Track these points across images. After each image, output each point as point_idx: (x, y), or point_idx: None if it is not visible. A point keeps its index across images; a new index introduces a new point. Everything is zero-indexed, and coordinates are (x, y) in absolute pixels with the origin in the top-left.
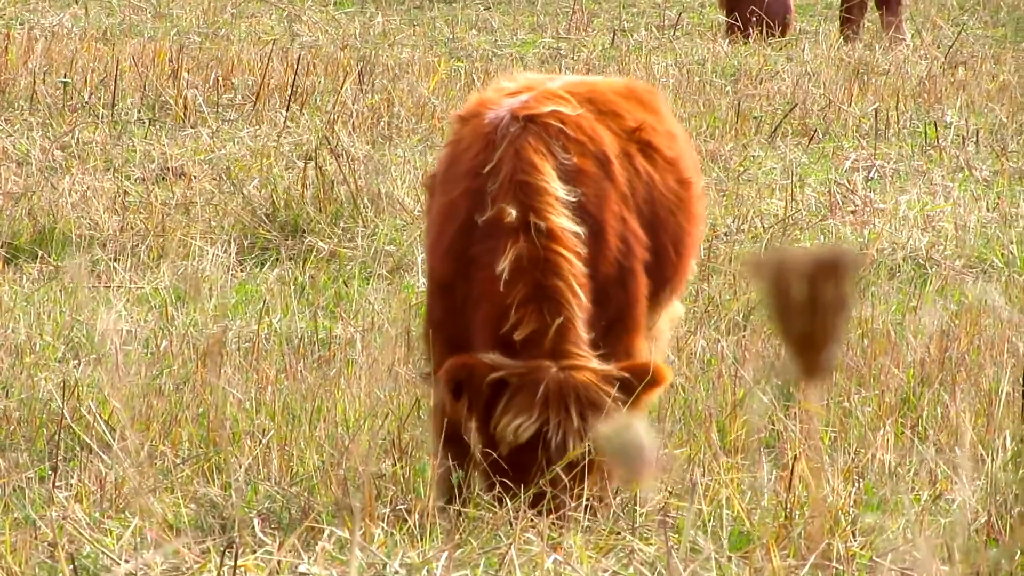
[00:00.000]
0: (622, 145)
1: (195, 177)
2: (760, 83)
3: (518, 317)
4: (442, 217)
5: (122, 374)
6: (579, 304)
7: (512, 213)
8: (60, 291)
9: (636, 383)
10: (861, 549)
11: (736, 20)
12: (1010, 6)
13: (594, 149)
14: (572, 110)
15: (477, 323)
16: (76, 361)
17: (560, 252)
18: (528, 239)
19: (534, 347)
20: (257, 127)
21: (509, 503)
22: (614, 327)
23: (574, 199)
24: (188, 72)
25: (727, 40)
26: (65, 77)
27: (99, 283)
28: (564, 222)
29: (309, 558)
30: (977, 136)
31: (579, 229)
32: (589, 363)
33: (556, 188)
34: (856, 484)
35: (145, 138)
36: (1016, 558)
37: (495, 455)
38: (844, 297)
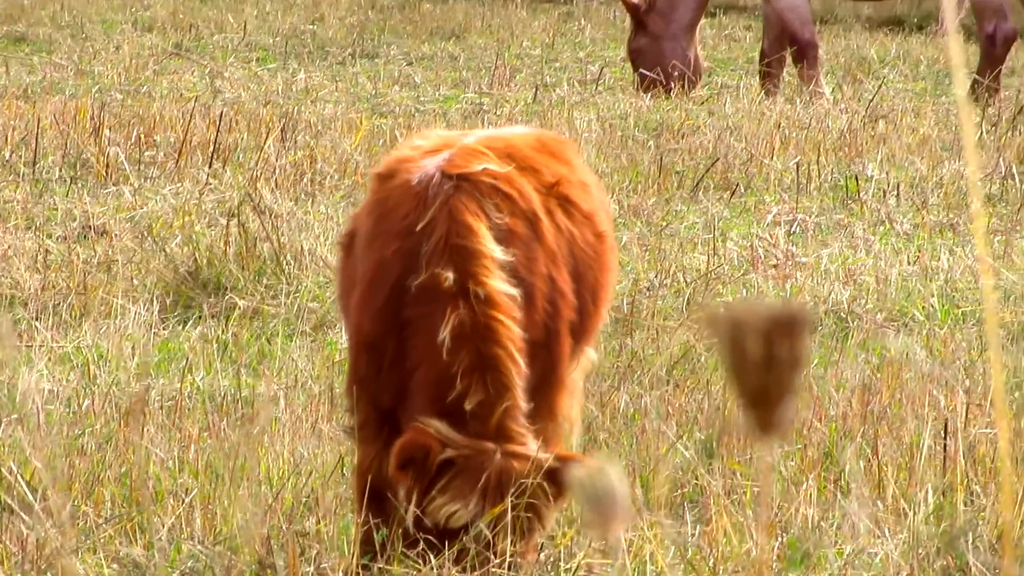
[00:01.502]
0: (544, 201)
1: (117, 235)
2: (682, 138)
3: (463, 387)
4: (371, 276)
5: (43, 434)
6: (519, 372)
7: (450, 278)
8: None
9: (565, 473)
10: None
11: (641, 76)
12: (930, 60)
13: (523, 207)
14: (499, 167)
15: (415, 386)
16: None
17: (499, 319)
18: (467, 305)
19: (479, 422)
20: (179, 184)
21: (433, 560)
22: (540, 387)
23: (508, 261)
24: (110, 129)
25: (649, 95)
26: None
27: (20, 343)
28: (501, 286)
29: None
30: (898, 189)
31: (514, 292)
32: (529, 450)
33: (492, 250)
34: (779, 538)
35: (67, 196)
36: None
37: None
38: (799, 354)
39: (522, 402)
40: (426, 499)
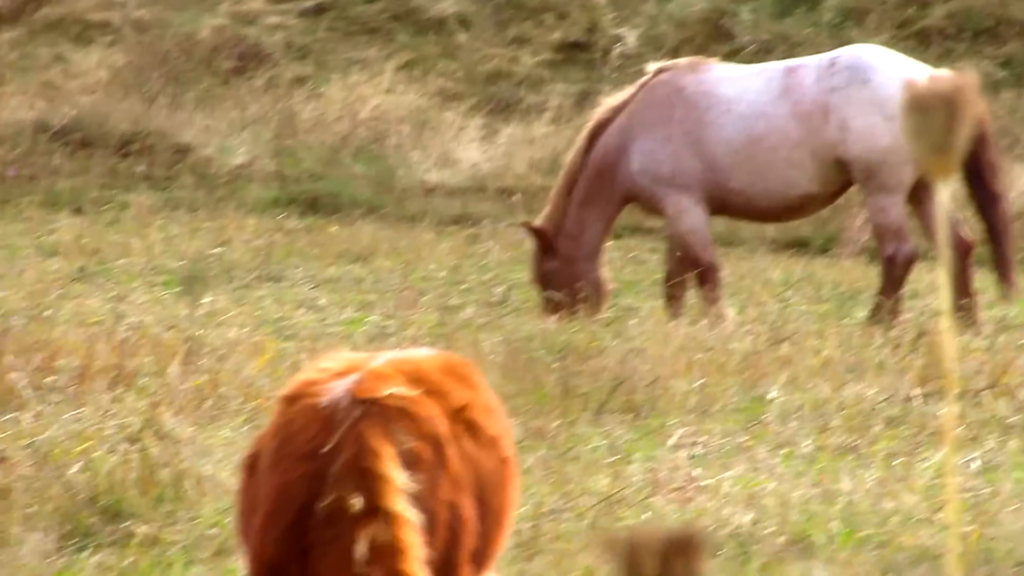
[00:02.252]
0: (450, 426)
1: (15, 462)
2: (587, 360)
3: None
4: (274, 499)
5: None
6: None
7: (358, 500)
8: None
9: None
10: None
11: (548, 297)
12: (833, 282)
13: (430, 432)
14: (407, 391)
15: None
16: None
17: (408, 539)
18: (377, 526)
19: None
20: (81, 409)
21: None
22: None
23: (413, 486)
24: (10, 355)
25: (556, 317)
26: None
27: None
28: (406, 510)
29: None
30: (801, 411)
31: (418, 517)
32: None
33: (397, 476)
34: None
35: None
36: None
37: None
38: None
39: None
40: None
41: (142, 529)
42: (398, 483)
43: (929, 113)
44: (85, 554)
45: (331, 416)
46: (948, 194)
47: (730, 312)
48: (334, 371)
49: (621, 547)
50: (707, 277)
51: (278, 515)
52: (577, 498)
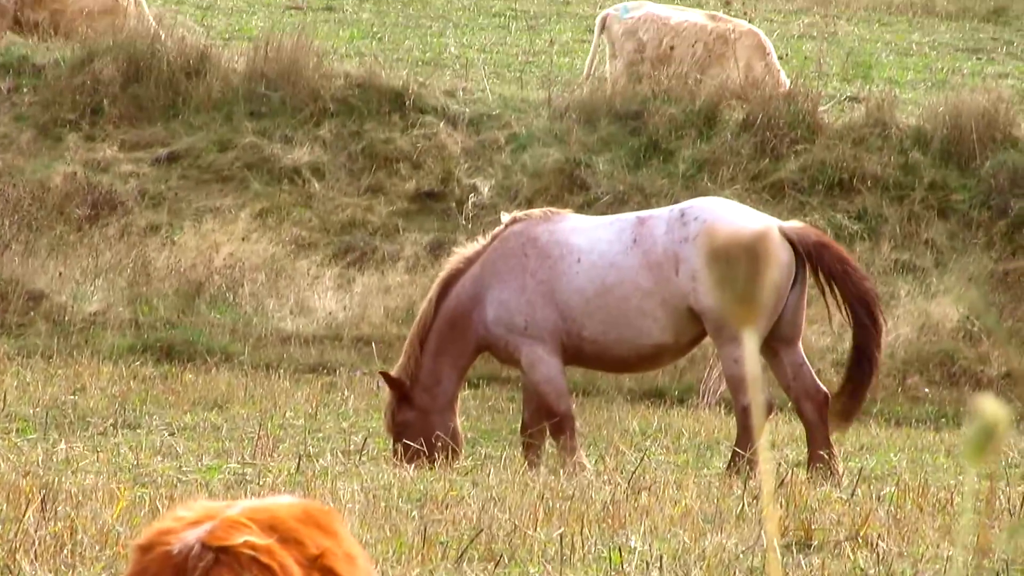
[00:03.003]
0: (307, 574)
1: None
2: (446, 508)
3: None
4: None
5: None
6: None
7: None
8: None
9: None
10: None
11: (404, 447)
12: (691, 432)
13: None
14: (260, 539)
15: None
16: None
17: None
18: None
19: None
20: None
21: None
22: None
23: None
24: None
25: (412, 466)
26: None
27: None
28: None
29: None
30: (661, 561)
31: None
32: None
33: None
34: None
35: None
36: None
37: None
38: None
39: None
40: None
41: None
42: None
43: (731, 263)
44: None
45: (183, 564)
46: (755, 343)
47: (587, 461)
48: (189, 520)
49: None
50: (563, 427)
51: None
52: None
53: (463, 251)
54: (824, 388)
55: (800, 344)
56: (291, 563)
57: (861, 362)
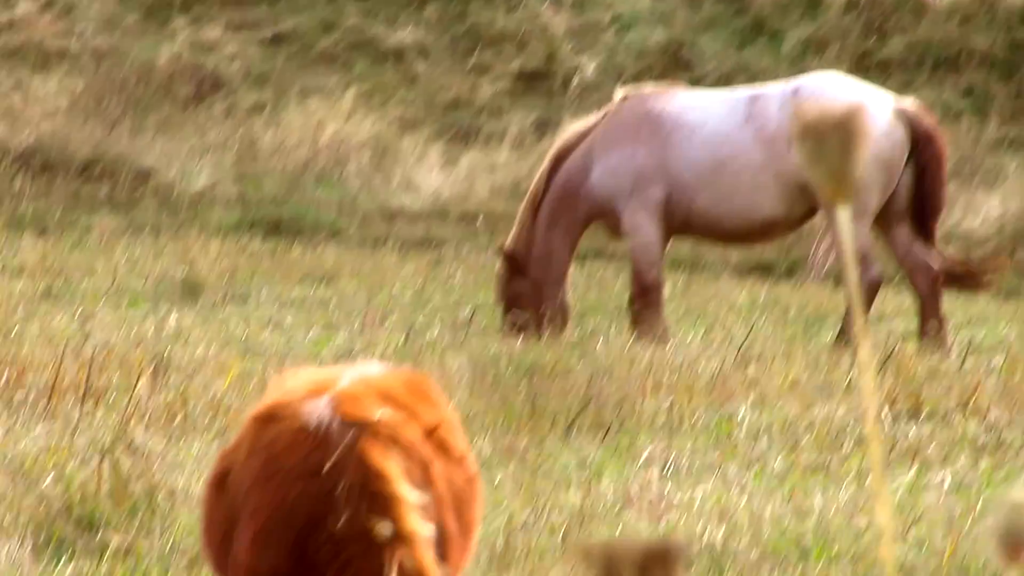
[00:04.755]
0: (428, 446)
1: None
2: (555, 379)
3: None
4: (270, 517)
5: None
6: None
7: (377, 523)
8: None
9: None
10: None
11: (512, 319)
12: (798, 306)
13: (416, 454)
14: (389, 413)
15: None
16: None
17: (428, 562)
18: (404, 549)
19: None
20: (51, 424)
21: None
22: None
23: (424, 506)
24: None
25: (520, 338)
26: None
27: None
28: (421, 529)
29: None
30: (770, 431)
31: (430, 534)
32: None
33: (408, 494)
34: None
35: None
36: None
37: None
38: None
39: None
40: None
41: (117, 539)
42: (413, 504)
43: (823, 139)
44: (60, 564)
45: (323, 437)
46: (847, 217)
47: (667, 332)
48: (305, 392)
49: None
50: (645, 295)
51: (277, 532)
52: (548, 513)
53: (576, 126)
54: (937, 261)
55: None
56: (417, 437)
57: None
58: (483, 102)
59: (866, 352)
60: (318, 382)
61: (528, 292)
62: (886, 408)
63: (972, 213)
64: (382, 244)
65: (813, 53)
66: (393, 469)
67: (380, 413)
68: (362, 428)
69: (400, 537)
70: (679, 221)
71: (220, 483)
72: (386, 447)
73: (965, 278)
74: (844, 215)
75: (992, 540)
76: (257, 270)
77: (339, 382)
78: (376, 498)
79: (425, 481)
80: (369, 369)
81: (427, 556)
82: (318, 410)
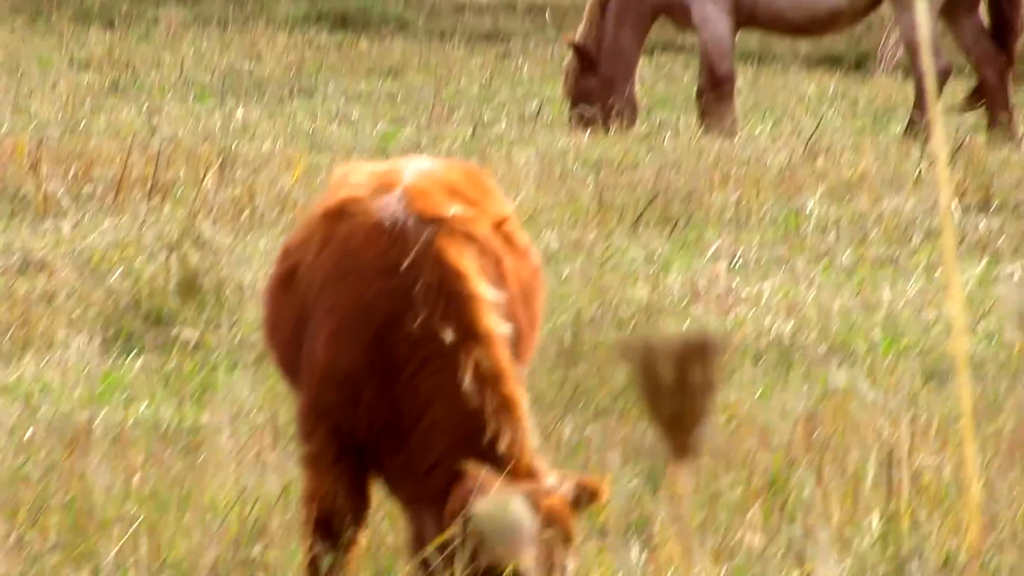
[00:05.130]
0: (496, 240)
1: (57, 269)
2: (622, 173)
3: (495, 430)
4: (347, 313)
5: None
6: (525, 411)
7: (454, 323)
8: None
9: (584, 500)
10: None
11: (580, 113)
12: (867, 98)
13: (489, 249)
14: (463, 209)
15: (429, 426)
16: None
17: (504, 361)
18: (480, 348)
19: (511, 463)
20: (119, 218)
21: None
22: None
23: (500, 304)
24: (48, 165)
25: (587, 133)
26: None
27: None
28: (499, 328)
29: None
30: (838, 224)
31: (506, 332)
32: (553, 486)
33: (485, 293)
34: (725, 565)
35: (5, 231)
36: None
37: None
38: (712, 379)
39: (532, 441)
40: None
41: (185, 334)
42: (489, 302)
43: None
44: (129, 358)
45: (401, 234)
46: (927, 7)
47: (735, 125)
48: (372, 187)
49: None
50: (718, 86)
51: (355, 329)
52: (616, 308)
53: None
54: (1004, 51)
55: (980, 9)
56: (488, 232)
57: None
58: None
59: (940, 137)
60: (382, 177)
61: (597, 86)
62: (956, 201)
63: None
64: (449, 37)
65: None
66: (470, 267)
67: (454, 209)
68: (438, 225)
69: (476, 336)
70: (745, 14)
71: (287, 280)
72: (461, 244)
73: None
74: (923, 4)
75: None
76: (324, 64)
77: (404, 177)
78: (453, 296)
79: (499, 277)
80: (426, 163)
81: (503, 355)
82: (391, 206)
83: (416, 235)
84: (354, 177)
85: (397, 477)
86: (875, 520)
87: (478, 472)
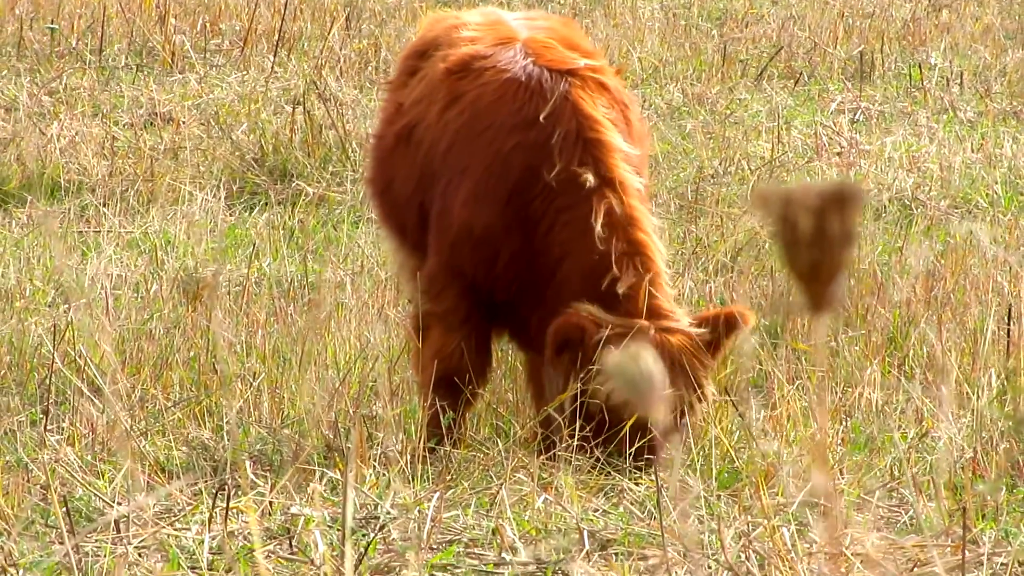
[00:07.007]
0: (622, 89)
1: (183, 122)
2: (746, 27)
3: (618, 272)
4: (485, 170)
5: (112, 318)
6: (661, 256)
7: (590, 171)
8: (49, 236)
9: (724, 334)
10: (849, 487)
11: None
12: None
13: (618, 99)
14: (591, 60)
15: (563, 277)
16: (66, 306)
17: (638, 207)
18: (613, 195)
19: (631, 302)
20: (245, 72)
21: (500, 443)
22: None
23: (634, 153)
24: (175, 18)
25: None
26: (52, 23)
27: (88, 228)
28: (634, 178)
29: (301, 499)
30: (961, 78)
31: (641, 182)
32: (681, 324)
33: (620, 143)
34: (843, 423)
35: (133, 84)
36: (1001, 494)
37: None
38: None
39: (667, 281)
40: (585, 379)
41: (309, 189)
42: (623, 151)
43: None
44: (254, 212)
45: (538, 88)
46: None
47: None
48: (491, 42)
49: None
50: None
51: (492, 186)
52: (738, 162)
53: None
54: None
55: None
56: (614, 82)
57: None
58: None
59: None
60: (494, 31)
61: None
62: None
63: None
64: None
65: None
66: (604, 116)
67: (585, 62)
68: (572, 76)
69: (612, 183)
70: None
71: (404, 137)
72: (594, 94)
73: None
74: None
75: None
76: None
77: (518, 32)
78: (590, 145)
79: (626, 126)
80: (519, 15)
81: (637, 203)
82: (520, 61)
83: (550, 88)
84: (464, 31)
85: (533, 333)
86: (994, 377)
87: (580, 309)
